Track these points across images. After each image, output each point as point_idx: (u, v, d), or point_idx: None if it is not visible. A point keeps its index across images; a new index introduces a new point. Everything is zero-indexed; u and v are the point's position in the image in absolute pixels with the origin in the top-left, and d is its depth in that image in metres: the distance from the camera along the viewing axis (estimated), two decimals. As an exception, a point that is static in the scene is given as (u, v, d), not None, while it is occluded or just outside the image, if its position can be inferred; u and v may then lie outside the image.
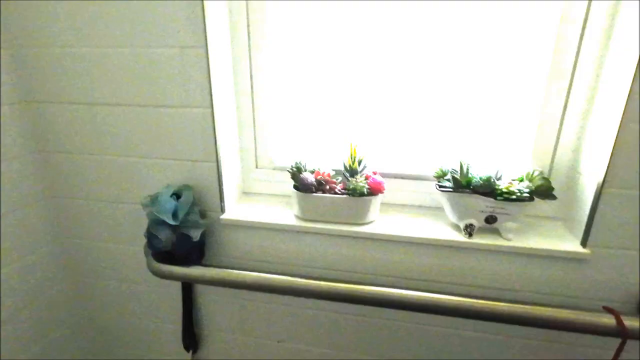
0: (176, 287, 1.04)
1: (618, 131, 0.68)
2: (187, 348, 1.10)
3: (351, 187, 0.84)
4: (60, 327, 1.14)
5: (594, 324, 0.74)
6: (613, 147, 0.69)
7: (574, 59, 0.76)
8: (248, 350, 1.10)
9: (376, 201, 0.87)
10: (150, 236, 0.89)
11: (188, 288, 1.03)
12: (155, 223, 0.88)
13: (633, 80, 0.65)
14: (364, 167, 0.88)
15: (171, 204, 0.86)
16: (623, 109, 0.67)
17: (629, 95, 0.66)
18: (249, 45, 0.89)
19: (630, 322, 0.73)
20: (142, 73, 0.85)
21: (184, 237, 0.89)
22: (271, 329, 1.05)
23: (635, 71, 0.65)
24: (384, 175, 0.89)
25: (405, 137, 0.92)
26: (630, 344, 0.73)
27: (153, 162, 0.93)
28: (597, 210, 0.74)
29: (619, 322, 0.73)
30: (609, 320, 0.74)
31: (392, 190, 0.93)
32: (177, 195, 0.89)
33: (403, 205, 0.95)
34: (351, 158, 0.87)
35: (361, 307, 0.96)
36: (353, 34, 0.86)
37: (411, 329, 0.95)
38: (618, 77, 0.69)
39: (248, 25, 0.87)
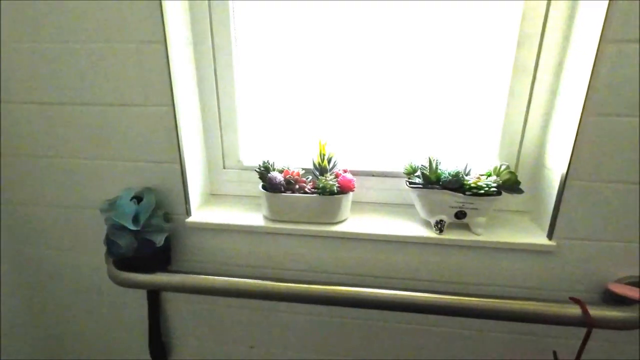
0: (141, 296, 0.99)
1: (579, 124, 0.70)
2: (154, 358, 1.05)
3: (321, 185, 0.82)
4: (16, 343, 1.06)
5: (561, 314, 0.75)
6: (575, 140, 0.71)
7: (536, 54, 0.78)
8: (219, 357, 1.06)
9: (347, 199, 0.85)
10: (110, 243, 0.84)
11: (154, 296, 0.98)
12: (115, 229, 0.83)
13: (592, 75, 0.67)
14: (334, 164, 0.87)
15: (131, 208, 0.82)
16: (583, 103, 0.68)
17: (588, 89, 0.67)
18: (212, 42, 0.86)
19: (595, 312, 0.75)
20: (97, 70, 0.80)
21: (146, 243, 0.84)
22: (242, 335, 1.02)
23: (594, 65, 0.66)
24: (354, 173, 0.87)
25: (376, 135, 0.92)
26: (597, 332, 0.74)
27: (111, 164, 0.87)
28: (562, 202, 0.76)
29: (585, 311, 0.74)
30: (575, 310, 0.75)
31: (364, 188, 0.92)
32: (138, 198, 0.84)
33: (375, 203, 0.95)
34: (320, 156, 0.85)
35: (334, 309, 0.94)
36: (322, 31, 0.85)
37: (385, 327, 0.94)
38: (578, 71, 0.71)
39: (211, 22, 0.84)
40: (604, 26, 0.64)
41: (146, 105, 0.81)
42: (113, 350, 1.11)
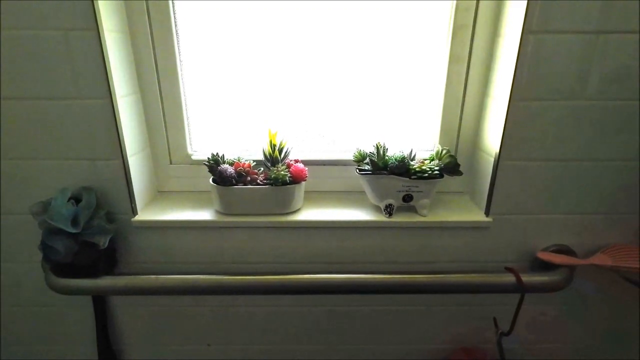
0: (87, 304, 0.93)
1: (508, 109, 0.76)
2: (105, 368, 1.00)
3: (273, 176, 0.82)
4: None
5: (498, 283, 0.83)
6: (505, 124, 0.77)
7: (469, 44, 0.83)
8: (174, 359, 1.03)
9: (300, 189, 0.86)
10: (46, 248, 0.77)
11: (100, 302, 0.93)
12: (51, 233, 0.77)
13: (517, 63, 0.73)
14: (286, 154, 0.86)
15: (69, 209, 0.76)
16: (510, 89, 0.74)
17: (514, 76, 0.74)
18: (150, 29, 0.81)
19: (527, 278, 0.83)
20: (19, 60, 0.72)
21: (88, 246, 0.79)
22: (198, 334, 0.99)
23: (518, 54, 0.72)
24: (306, 163, 0.88)
25: (325, 124, 0.93)
26: (529, 296, 0.83)
27: (43, 163, 0.80)
28: (496, 181, 0.82)
29: (518, 279, 0.82)
30: (510, 278, 0.83)
31: (315, 178, 0.93)
32: (76, 199, 0.79)
33: (327, 192, 0.96)
34: (271, 146, 0.85)
35: (290, 299, 0.95)
36: (269, 20, 0.84)
37: (342, 312, 0.97)
38: (505, 60, 0.77)
39: (147, 8, 0.80)
40: (525, 18, 0.70)
41: (79, 99, 0.75)
42: (58, 364, 1.03)
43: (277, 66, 0.88)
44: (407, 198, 0.85)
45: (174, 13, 0.82)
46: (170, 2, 0.81)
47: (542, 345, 1.01)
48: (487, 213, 0.85)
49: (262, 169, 0.87)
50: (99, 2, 0.69)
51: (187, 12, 0.83)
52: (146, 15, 0.80)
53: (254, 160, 0.87)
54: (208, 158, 0.85)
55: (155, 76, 0.85)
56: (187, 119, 0.91)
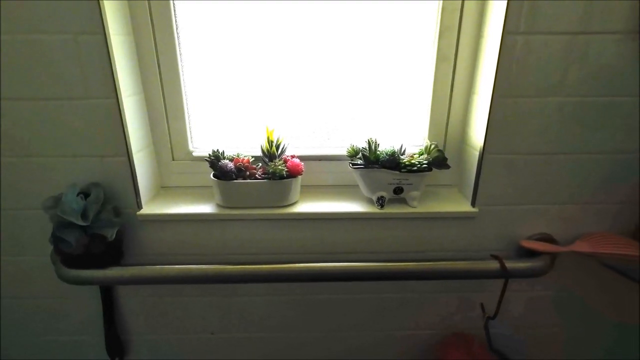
0: (94, 295, 0.97)
1: (491, 105, 0.81)
2: (112, 356, 1.04)
3: (270, 170, 0.87)
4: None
5: (484, 269, 0.88)
6: (488, 119, 0.82)
7: (455, 44, 0.88)
8: (180, 347, 1.08)
9: (296, 183, 0.91)
10: (57, 240, 0.82)
11: (107, 292, 0.97)
12: (62, 226, 0.81)
13: (498, 62, 0.77)
14: (283, 149, 0.91)
15: (79, 203, 0.80)
16: (493, 86, 0.79)
17: (496, 74, 0.78)
18: (153, 31, 0.86)
19: (511, 265, 0.88)
20: (32, 62, 0.76)
21: (97, 238, 0.83)
22: (202, 322, 1.04)
23: (499, 54, 0.77)
24: (302, 159, 0.93)
25: (320, 121, 0.98)
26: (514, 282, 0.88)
27: (54, 160, 0.84)
28: (481, 174, 0.87)
29: (502, 265, 0.87)
30: (495, 265, 0.88)
31: (311, 173, 0.98)
32: (85, 194, 0.83)
33: (322, 186, 1.01)
34: (268, 142, 0.89)
35: (289, 288, 1.00)
36: (267, 19, 0.88)
37: (338, 300, 1.02)
38: (488, 59, 0.82)
39: (150, 10, 0.84)
40: (505, 20, 0.75)
41: (87, 98, 0.79)
42: (69, 353, 1.07)
43: (274, 66, 0.92)
44: (398, 190, 0.89)
45: (175, 15, 0.86)
46: (172, 2, 0.85)
47: (531, 329, 1.06)
48: (473, 204, 0.90)
49: (260, 164, 0.92)
50: (106, 7, 0.74)
51: (187, 12, 0.87)
52: (149, 17, 0.85)
53: (252, 156, 0.92)
54: (209, 154, 0.89)
55: (158, 76, 0.90)
56: (188, 117, 0.96)
